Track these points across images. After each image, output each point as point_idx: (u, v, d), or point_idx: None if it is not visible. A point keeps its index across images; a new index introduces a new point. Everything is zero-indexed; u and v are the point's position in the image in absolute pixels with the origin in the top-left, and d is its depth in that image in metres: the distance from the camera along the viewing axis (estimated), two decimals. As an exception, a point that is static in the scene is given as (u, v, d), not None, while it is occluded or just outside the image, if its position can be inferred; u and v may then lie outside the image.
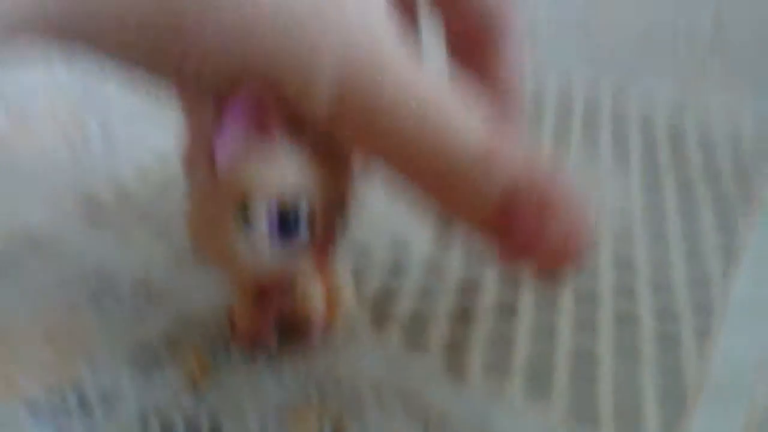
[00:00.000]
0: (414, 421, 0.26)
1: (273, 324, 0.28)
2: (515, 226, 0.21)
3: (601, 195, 0.38)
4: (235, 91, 0.22)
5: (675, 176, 0.40)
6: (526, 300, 0.32)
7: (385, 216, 0.35)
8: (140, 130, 0.41)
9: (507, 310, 0.32)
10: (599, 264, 0.34)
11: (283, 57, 0.20)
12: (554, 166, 0.21)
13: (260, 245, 0.25)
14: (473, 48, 0.26)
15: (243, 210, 0.25)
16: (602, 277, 0.33)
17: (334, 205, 0.25)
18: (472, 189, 0.21)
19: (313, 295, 0.28)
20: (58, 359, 0.28)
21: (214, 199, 0.25)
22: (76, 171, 0.38)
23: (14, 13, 0.17)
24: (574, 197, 0.21)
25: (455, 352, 0.29)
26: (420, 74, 0.21)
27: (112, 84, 0.45)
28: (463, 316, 0.31)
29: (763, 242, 0.36)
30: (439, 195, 0.22)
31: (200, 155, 0.24)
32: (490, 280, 0.33)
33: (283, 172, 0.24)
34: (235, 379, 0.27)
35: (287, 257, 0.25)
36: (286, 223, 0.25)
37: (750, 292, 0.33)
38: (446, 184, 0.21)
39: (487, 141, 0.21)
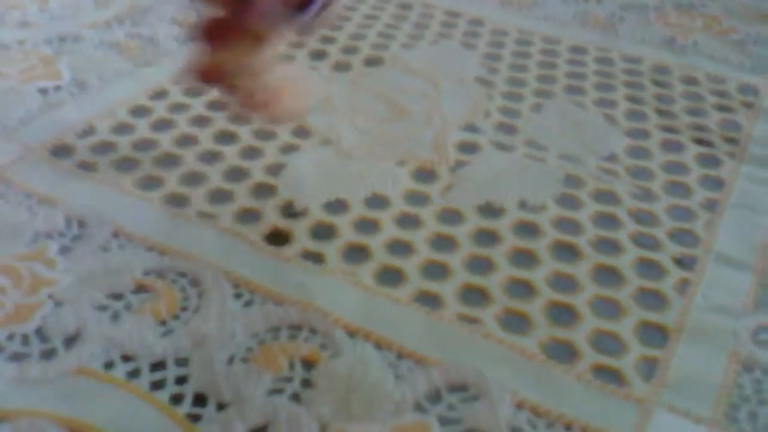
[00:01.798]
0: (386, 352, 0.26)
1: None
2: None
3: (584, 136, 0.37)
4: None
5: (659, 116, 0.40)
6: (504, 226, 0.31)
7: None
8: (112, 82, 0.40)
9: (485, 237, 0.31)
10: (581, 196, 0.33)
11: None
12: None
13: None
14: None
15: None
16: (584, 208, 0.32)
17: None
18: None
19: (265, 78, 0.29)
20: (21, 302, 0.27)
21: None
22: (47, 116, 0.37)
23: None
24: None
25: (430, 282, 0.28)
26: None
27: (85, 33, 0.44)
28: (439, 245, 0.30)
29: (748, 183, 0.35)
30: None
31: None
32: (469, 208, 0.32)
33: None
34: (202, 318, 0.26)
35: None
36: None
37: (734, 232, 0.32)
38: None
39: None
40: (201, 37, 0.27)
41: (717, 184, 0.34)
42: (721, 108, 0.40)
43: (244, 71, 0.28)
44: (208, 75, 0.29)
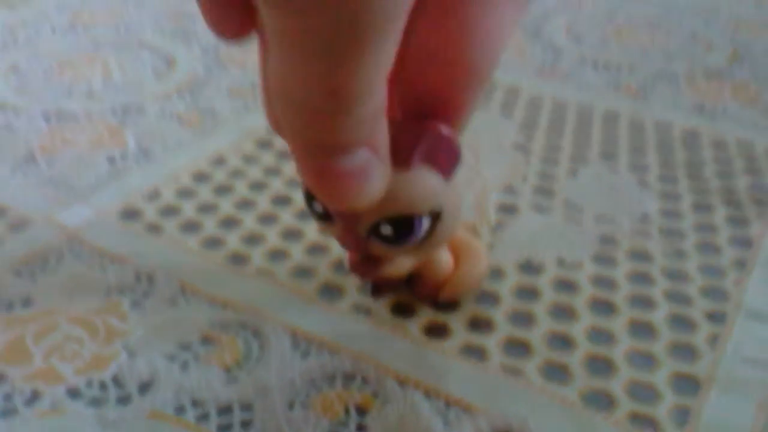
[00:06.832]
0: (434, 402, 0.28)
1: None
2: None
3: (618, 199, 0.39)
4: None
5: (689, 181, 0.41)
6: (544, 282, 0.33)
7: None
8: (175, 149, 0.43)
9: (526, 293, 0.33)
10: (616, 255, 0.35)
11: None
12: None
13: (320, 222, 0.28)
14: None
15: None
16: (619, 266, 0.34)
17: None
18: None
19: (436, 262, 0.31)
20: (98, 352, 0.29)
21: None
22: (115, 182, 0.39)
23: None
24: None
25: (473, 335, 0.30)
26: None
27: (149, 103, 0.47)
28: (483, 300, 0.32)
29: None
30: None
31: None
32: (510, 265, 0.34)
33: None
34: (264, 367, 0.29)
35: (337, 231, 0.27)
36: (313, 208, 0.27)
37: (763, 289, 0.34)
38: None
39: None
40: (358, 275, 0.30)
41: (746, 243, 0.36)
42: (750, 171, 0.42)
43: (410, 268, 0.31)
44: (386, 286, 0.32)
